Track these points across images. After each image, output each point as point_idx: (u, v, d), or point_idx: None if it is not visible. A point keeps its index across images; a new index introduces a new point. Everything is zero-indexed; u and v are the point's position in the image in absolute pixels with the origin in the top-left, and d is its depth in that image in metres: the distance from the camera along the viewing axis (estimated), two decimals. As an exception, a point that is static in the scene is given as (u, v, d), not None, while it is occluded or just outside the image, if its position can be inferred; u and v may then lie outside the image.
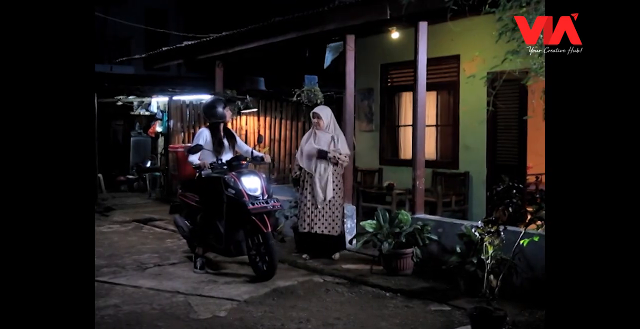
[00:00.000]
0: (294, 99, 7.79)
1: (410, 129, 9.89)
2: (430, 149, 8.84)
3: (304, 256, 6.73)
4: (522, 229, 4.34)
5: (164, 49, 11.26)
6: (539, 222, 4.15)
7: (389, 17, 6.12)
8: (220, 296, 5.39)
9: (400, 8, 5.98)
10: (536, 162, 8.75)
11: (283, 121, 13.07)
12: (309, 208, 6.65)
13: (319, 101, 7.69)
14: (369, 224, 6.18)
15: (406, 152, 10.00)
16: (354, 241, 6.95)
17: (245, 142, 12.86)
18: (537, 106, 8.37)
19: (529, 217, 4.34)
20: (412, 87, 9.37)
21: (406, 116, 10.08)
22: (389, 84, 10.15)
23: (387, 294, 5.48)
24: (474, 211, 8.57)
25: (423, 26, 6.52)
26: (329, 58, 10.22)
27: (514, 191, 4.26)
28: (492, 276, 4.30)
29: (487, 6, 4.30)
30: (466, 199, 8.71)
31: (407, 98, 10.02)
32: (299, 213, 6.80)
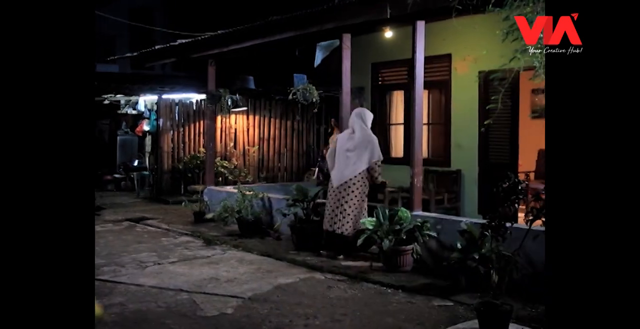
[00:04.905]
0: (290, 97, 7.79)
1: (401, 127, 10.00)
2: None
3: (322, 252, 6.75)
4: (526, 226, 4.40)
5: (157, 47, 11.14)
6: (544, 219, 4.21)
7: (389, 17, 6.16)
8: (224, 293, 5.40)
9: (399, 7, 6.03)
10: (525, 161, 8.89)
11: (272, 120, 13.09)
12: (331, 206, 6.74)
13: (314, 100, 7.70)
14: (368, 222, 6.24)
15: (397, 150, 10.09)
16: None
17: (235, 142, 12.84)
18: (524, 103, 8.42)
19: (524, 214, 4.41)
20: (404, 86, 9.46)
21: (397, 114, 10.16)
22: (379, 83, 10.23)
23: (389, 290, 5.54)
24: (466, 209, 8.68)
25: (421, 25, 6.58)
26: (319, 57, 10.22)
27: (520, 187, 4.33)
28: (495, 271, 4.38)
29: (490, 5, 4.36)
30: (458, 197, 8.81)
31: (398, 97, 10.11)
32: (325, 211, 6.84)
